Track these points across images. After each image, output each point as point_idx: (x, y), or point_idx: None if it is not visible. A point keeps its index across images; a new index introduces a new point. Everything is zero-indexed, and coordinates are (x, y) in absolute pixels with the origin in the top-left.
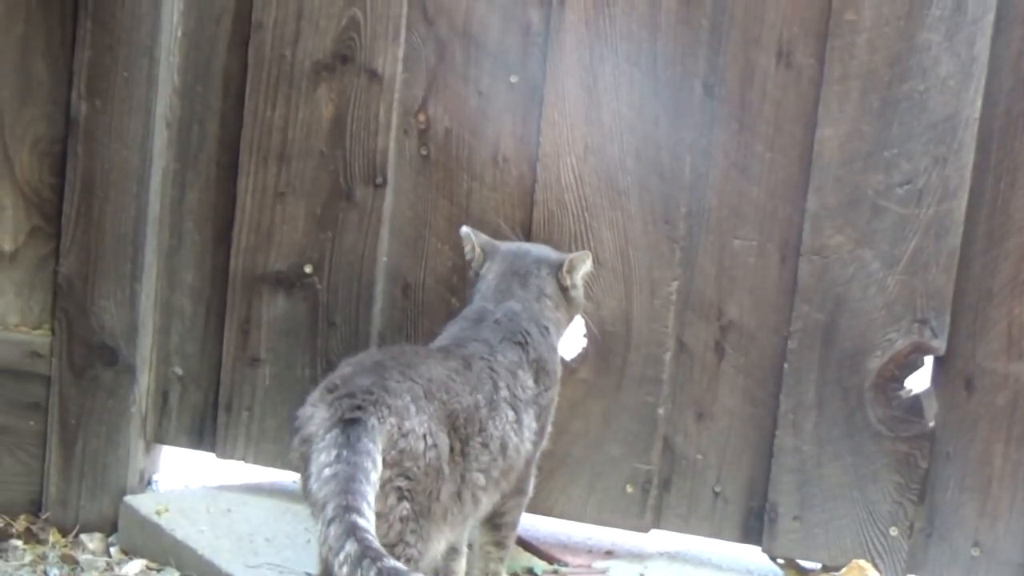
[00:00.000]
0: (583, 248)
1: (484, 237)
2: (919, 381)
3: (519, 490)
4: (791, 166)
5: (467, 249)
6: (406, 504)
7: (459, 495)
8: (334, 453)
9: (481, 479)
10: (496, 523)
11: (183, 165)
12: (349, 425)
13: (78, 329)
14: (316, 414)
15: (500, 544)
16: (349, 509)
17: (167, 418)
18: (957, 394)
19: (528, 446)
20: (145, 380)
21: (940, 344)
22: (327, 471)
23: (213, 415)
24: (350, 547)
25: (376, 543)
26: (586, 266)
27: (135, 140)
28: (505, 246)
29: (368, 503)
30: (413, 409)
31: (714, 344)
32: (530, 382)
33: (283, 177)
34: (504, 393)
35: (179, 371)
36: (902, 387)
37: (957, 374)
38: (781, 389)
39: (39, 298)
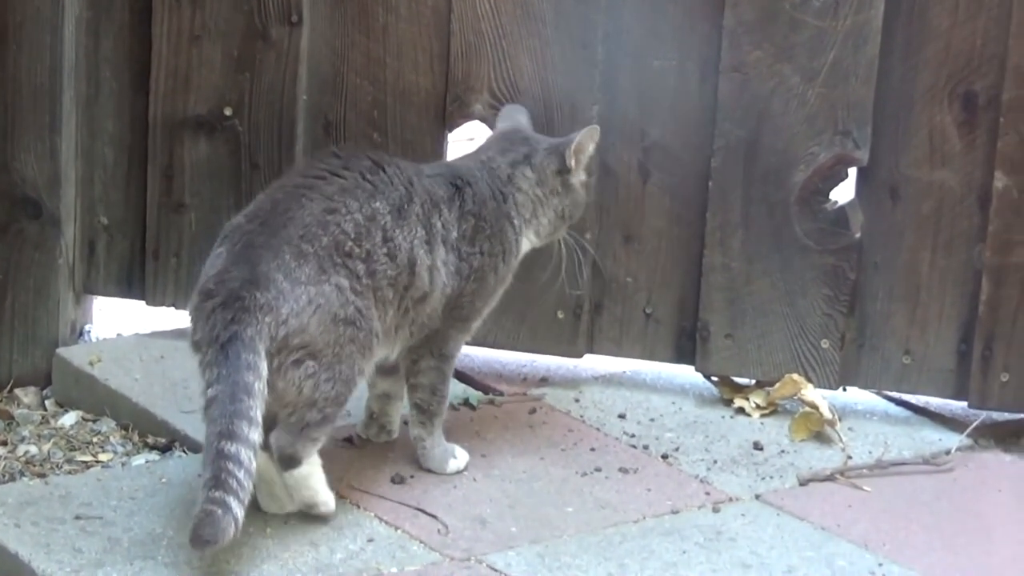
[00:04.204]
0: (502, 78)
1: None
2: (843, 193)
3: (440, 354)
4: None
5: None
6: (308, 363)
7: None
8: (215, 372)
9: (390, 293)
10: (412, 383)
11: (96, 12)
12: (228, 343)
13: None
14: (197, 326)
15: (419, 407)
16: (222, 436)
17: (95, 268)
18: (882, 204)
19: (444, 281)
20: (71, 231)
21: (863, 155)
22: (210, 391)
23: (141, 263)
24: (206, 473)
25: (229, 467)
26: (592, 146)
27: None
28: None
29: (249, 419)
30: (287, 286)
31: (638, 166)
32: (454, 229)
33: (198, 19)
34: (417, 209)
35: (104, 220)
36: (827, 200)
37: (881, 184)
38: (707, 208)
39: None
